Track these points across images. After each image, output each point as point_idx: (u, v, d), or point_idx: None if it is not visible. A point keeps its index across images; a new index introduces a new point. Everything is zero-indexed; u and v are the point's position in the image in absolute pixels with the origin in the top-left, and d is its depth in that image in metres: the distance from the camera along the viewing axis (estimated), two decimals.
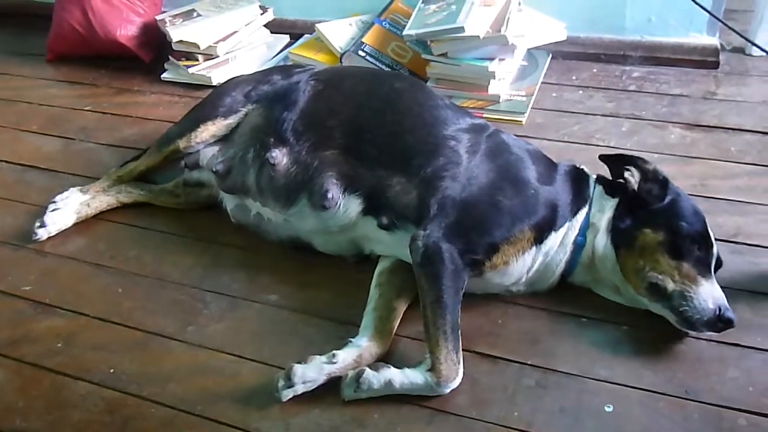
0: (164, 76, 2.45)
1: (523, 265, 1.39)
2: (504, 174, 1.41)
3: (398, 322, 1.38)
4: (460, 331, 1.27)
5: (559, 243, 1.41)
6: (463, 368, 1.26)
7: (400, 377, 1.23)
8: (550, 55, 2.36)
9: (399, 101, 1.56)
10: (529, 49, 2.28)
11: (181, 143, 1.67)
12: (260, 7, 2.58)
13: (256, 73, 1.85)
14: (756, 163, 1.82)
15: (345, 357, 1.28)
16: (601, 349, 1.33)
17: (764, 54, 2.22)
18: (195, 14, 2.49)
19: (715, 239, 1.38)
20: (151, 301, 1.50)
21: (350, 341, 1.32)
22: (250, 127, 1.63)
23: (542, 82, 2.24)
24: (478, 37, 2.06)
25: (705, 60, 2.27)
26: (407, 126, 1.50)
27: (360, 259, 1.53)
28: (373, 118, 1.52)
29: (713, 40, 2.29)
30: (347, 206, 1.46)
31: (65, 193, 1.73)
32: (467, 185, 1.38)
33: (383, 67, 2.24)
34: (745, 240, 1.56)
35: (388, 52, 2.27)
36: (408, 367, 1.25)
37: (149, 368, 1.35)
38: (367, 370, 1.24)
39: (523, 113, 2.08)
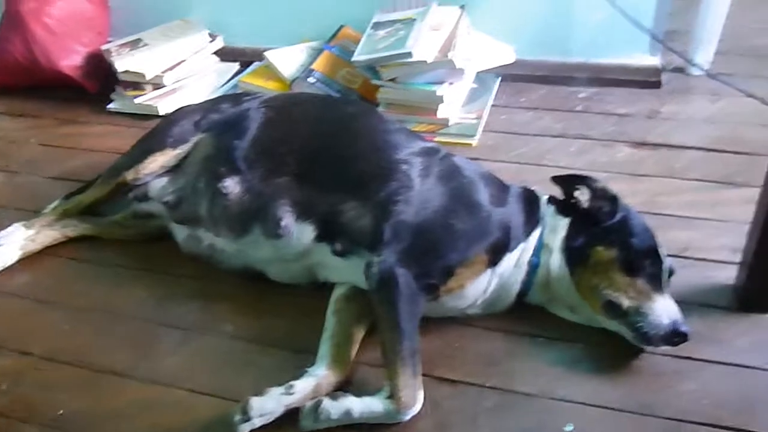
0: (110, 106, 2.41)
1: (478, 287, 1.39)
2: (457, 197, 1.41)
3: (356, 349, 1.36)
4: (418, 356, 1.25)
5: (513, 264, 1.41)
6: (424, 393, 1.24)
7: (359, 406, 1.21)
8: (500, 78, 2.38)
9: (350, 126, 1.56)
10: (478, 73, 2.30)
11: (129, 175, 1.64)
12: (209, 35, 2.57)
13: (205, 101, 1.83)
14: (700, 178, 1.85)
15: (303, 387, 1.25)
16: (559, 369, 1.33)
17: (703, 73, 2.30)
18: (141, 43, 2.46)
19: (666, 254, 1.39)
20: (101, 337, 1.46)
21: (307, 371, 1.30)
22: (200, 157, 1.61)
23: (492, 105, 2.26)
24: (426, 61, 2.07)
25: (648, 80, 2.31)
26: (359, 151, 1.50)
27: (316, 286, 1.50)
28: (325, 144, 1.51)
29: (655, 61, 2.34)
30: (301, 233, 1.44)
31: (9, 229, 1.68)
32: (421, 209, 1.38)
33: (334, 93, 2.23)
34: (695, 254, 1.59)
35: (339, 78, 2.26)
36: (367, 395, 1.23)
37: (100, 407, 1.31)
38: (326, 399, 1.22)
39: (474, 136, 2.09)
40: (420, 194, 1.40)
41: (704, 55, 2.35)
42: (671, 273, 1.39)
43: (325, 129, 1.55)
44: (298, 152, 1.50)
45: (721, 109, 2.17)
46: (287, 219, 1.44)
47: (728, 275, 1.50)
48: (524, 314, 1.44)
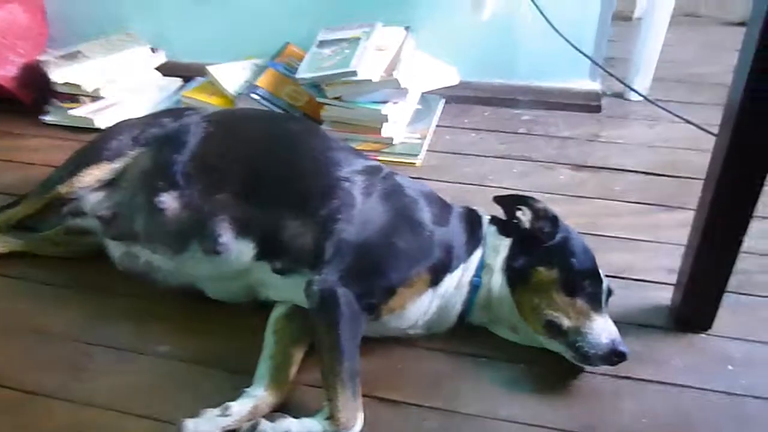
0: (46, 118, 2.35)
1: (420, 307, 1.38)
2: (399, 216, 1.40)
3: (295, 369, 1.34)
4: (359, 377, 1.23)
5: (455, 285, 1.41)
6: (364, 414, 1.21)
7: (297, 427, 1.19)
8: (444, 100, 2.40)
9: (293, 143, 1.54)
10: (422, 93, 2.32)
11: (63, 189, 1.59)
12: (151, 49, 2.52)
13: (145, 116, 1.80)
14: (639, 201, 1.88)
15: (240, 409, 1.23)
16: (501, 389, 1.34)
17: (641, 99, 2.35)
18: (80, 55, 2.40)
19: (606, 275, 1.41)
20: (29, 358, 1.41)
21: (245, 391, 1.27)
22: (138, 171, 1.57)
23: (436, 125, 2.27)
24: (371, 80, 2.08)
25: (589, 104, 2.35)
26: (301, 168, 1.48)
27: (255, 305, 1.47)
28: (266, 160, 1.49)
29: (596, 86, 2.38)
30: (240, 251, 1.42)
31: None
32: (362, 228, 1.37)
33: (278, 110, 2.21)
34: (633, 275, 1.61)
35: (283, 95, 2.25)
36: (306, 416, 1.21)
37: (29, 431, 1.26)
38: (263, 421, 1.19)
39: (418, 155, 2.10)
40: (362, 213, 1.39)
41: (642, 82, 2.40)
42: (610, 293, 1.41)
43: (267, 145, 1.53)
44: (240, 168, 1.47)
45: (659, 134, 2.22)
46: (226, 236, 1.41)
47: (665, 296, 1.52)
48: (466, 334, 1.44)
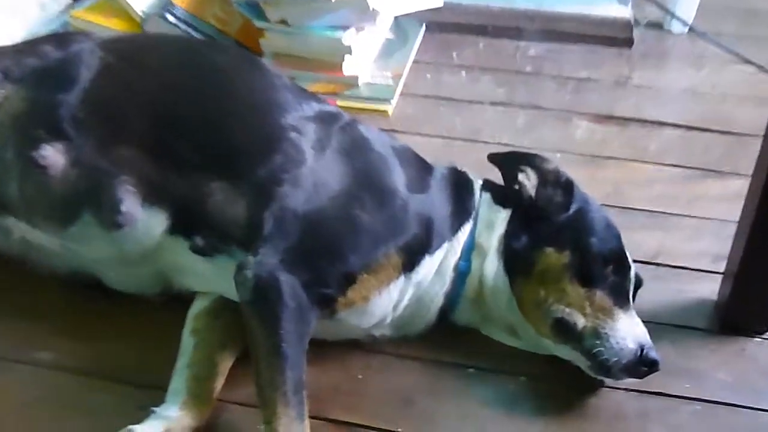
0: None
1: (388, 300, 1.38)
2: (362, 179, 1.40)
3: (221, 382, 1.33)
4: (305, 392, 1.21)
5: (435, 270, 1.41)
6: None
7: None
8: (424, 26, 2.38)
9: (220, 80, 1.51)
10: (396, 18, 2.30)
11: None
12: None
13: (20, 43, 1.75)
14: (680, 164, 1.90)
15: None
16: (494, 409, 1.33)
17: (685, 30, 2.37)
18: None
19: (633, 261, 1.41)
20: None
21: (154, 411, 1.25)
22: (9, 116, 1.49)
23: (414, 61, 2.26)
24: None
25: (616, 37, 2.36)
26: (232, 113, 1.44)
27: (169, 297, 1.46)
28: (185, 104, 1.46)
29: (626, 12, 2.39)
30: (149, 223, 1.38)
31: None
32: (313, 194, 1.35)
33: (201, 37, 2.18)
34: (668, 261, 1.62)
35: (209, 18, 2.22)
36: None
37: None
38: None
39: (389, 101, 2.09)
40: (313, 173, 1.37)
41: (686, 9, 2.39)
42: (639, 284, 1.42)
43: (185, 83, 1.48)
44: (149, 113, 1.42)
45: (706, 77, 2.25)
46: (129, 202, 1.36)
47: (709, 289, 1.53)
48: (450, 338, 1.44)
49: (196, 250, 1.39)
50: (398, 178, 1.43)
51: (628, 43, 2.35)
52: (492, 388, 1.38)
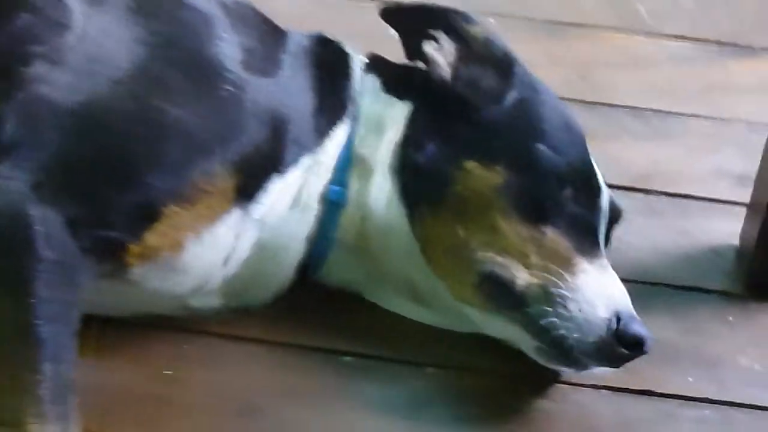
0: None
1: (214, 249, 1.28)
2: (167, 51, 1.28)
3: None
4: (73, 399, 1.13)
5: (290, 201, 1.32)
6: None
7: None
8: None
9: None
10: None
11: None
12: None
13: None
14: (687, 35, 1.91)
15: None
16: (384, 416, 1.27)
17: None
18: None
19: (608, 183, 1.33)
20: None
21: None
22: None
23: None
24: None
25: None
26: None
27: None
28: None
29: None
30: None
31: None
32: (85, 77, 1.23)
33: None
34: (665, 186, 1.59)
35: None
36: None
37: None
38: None
39: None
40: (85, 43, 1.25)
41: None
42: (615, 218, 1.35)
43: None
44: None
45: None
46: None
47: (727, 228, 1.52)
48: (314, 310, 1.36)
49: None
50: (228, 50, 1.31)
51: None
52: (382, 386, 1.30)
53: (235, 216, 1.30)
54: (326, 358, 1.35)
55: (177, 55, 1.32)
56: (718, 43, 1.86)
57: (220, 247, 1.31)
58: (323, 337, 1.37)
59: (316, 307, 1.39)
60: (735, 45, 1.84)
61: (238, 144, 1.29)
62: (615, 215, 1.36)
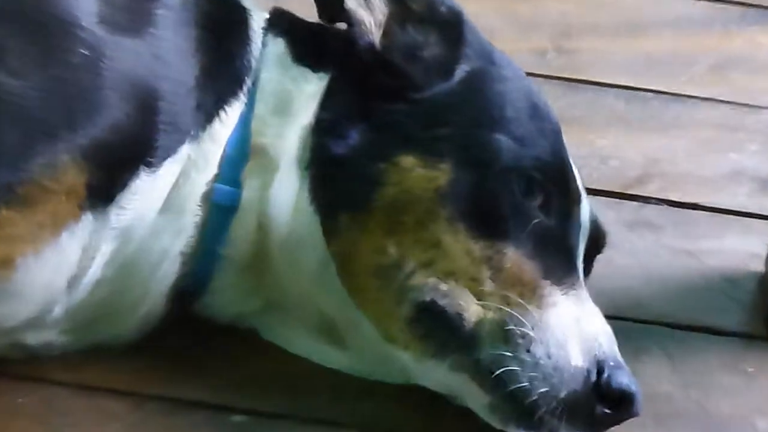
0: None
1: (57, 267, 1.23)
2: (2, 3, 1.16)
3: None
4: None
5: (162, 203, 1.27)
6: None
7: None
8: None
9: None
10: None
11: None
12: None
13: None
14: None
15: None
16: None
17: None
18: None
19: (591, 189, 1.28)
20: None
21: None
22: None
23: None
24: None
25: None
26: None
27: None
28: None
29: None
30: None
31: None
32: None
33: None
34: (663, 193, 1.54)
35: None
36: None
37: None
38: None
39: None
40: None
41: None
42: (598, 237, 1.32)
43: None
44: None
45: None
46: None
47: (749, 246, 1.48)
48: (199, 351, 1.32)
49: None
50: (84, 2, 1.26)
51: None
52: None
53: (86, 223, 1.26)
54: (210, 416, 1.31)
55: (11, 6, 1.28)
56: (740, 4, 1.84)
57: (64, 264, 1.27)
58: (206, 389, 1.33)
59: (196, 348, 1.35)
60: (761, 7, 1.83)
61: (92, 126, 1.24)
62: (596, 233, 1.34)
